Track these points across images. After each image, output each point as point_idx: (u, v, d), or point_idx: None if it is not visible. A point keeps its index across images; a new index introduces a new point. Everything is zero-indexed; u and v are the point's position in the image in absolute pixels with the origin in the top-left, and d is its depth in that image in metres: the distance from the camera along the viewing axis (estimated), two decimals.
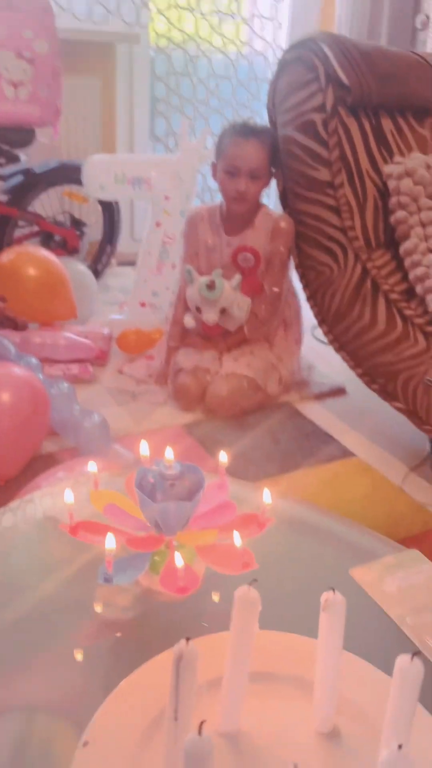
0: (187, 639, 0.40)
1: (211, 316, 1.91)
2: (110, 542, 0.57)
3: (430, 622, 0.61)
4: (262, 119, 3.16)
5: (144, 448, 0.73)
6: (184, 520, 0.62)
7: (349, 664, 0.51)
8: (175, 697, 0.41)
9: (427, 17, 2.61)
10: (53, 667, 0.59)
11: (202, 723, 0.34)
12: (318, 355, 2.32)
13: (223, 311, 1.91)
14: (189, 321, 1.97)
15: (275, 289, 1.95)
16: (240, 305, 1.91)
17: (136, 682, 0.52)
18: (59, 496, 0.79)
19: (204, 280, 1.87)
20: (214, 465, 0.78)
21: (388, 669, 0.55)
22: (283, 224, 1.88)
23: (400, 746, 0.33)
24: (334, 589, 0.44)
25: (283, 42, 3.12)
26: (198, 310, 1.93)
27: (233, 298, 1.90)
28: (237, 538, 0.58)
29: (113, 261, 2.84)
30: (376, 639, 0.61)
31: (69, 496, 0.61)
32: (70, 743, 0.52)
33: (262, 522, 0.66)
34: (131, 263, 3.14)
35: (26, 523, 0.75)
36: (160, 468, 0.61)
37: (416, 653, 0.40)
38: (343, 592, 0.67)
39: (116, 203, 2.51)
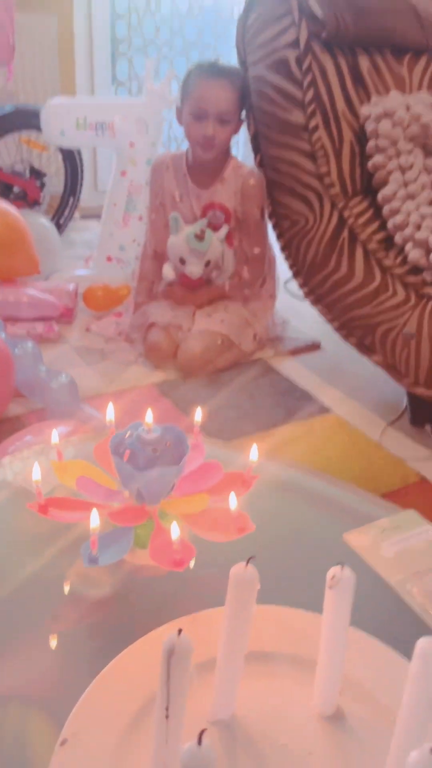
0: (180, 630, 0.34)
1: (196, 269, 1.83)
2: (95, 519, 0.51)
3: None
4: (230, 62, 3.02)
5: (110, 412, 0.66)
6: (169, 487, 0.56)
7: (353, 640, 0.46)
8: (165, 694, 0.35)
9: None
10: (26, 652, 0.53)
11: (202, 732, 0.29)
12: (291, 309, 2.26)
13: (208, 264, 1.83)
14: (168, 272, 1.87)
15: (256, 250, 1.88)
16: (227, 258, 1.83)
17: (118, 670, 0.47)
18: (28, 462, 0.73)
19: (193, 229, 1.77)
20: (189, 425, 0.72)
21: (389, 641, 0.51)
22: (252, 181, 1.79)
23: None
24: (342, 564, 0.39)
25: None
26: (181, 261, 1.84)
27: (221, 251, 1.82)
28: (233, 500, 0.52)
29: (76, 214, 2.71)
30: (375, 609, 0.57)
31: (36, 473, 0.55)
32: (47, 736, 0.47)
33: (248, 480, 0.61)
34: (95, 216, 3.01)
35: None
36: (139, 432, 0.55)
37: None
38: (337, 558, 0.63)
39: (78, 152, 2.38)
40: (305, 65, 1.59)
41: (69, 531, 0.60)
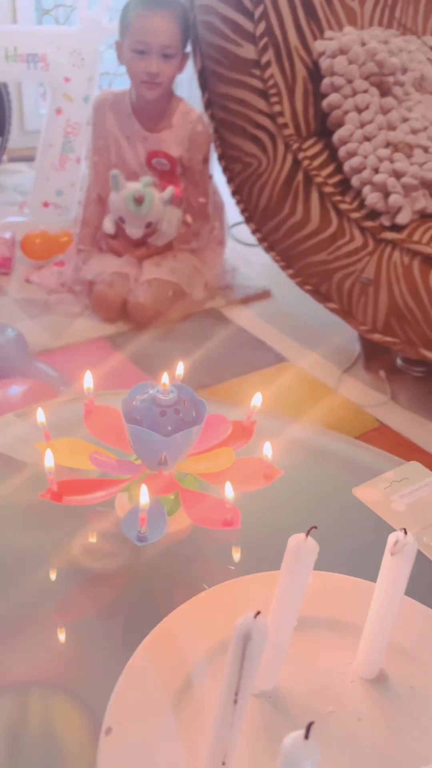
0: (257, 613, 0.31)
1: (135, 231, 1.75)
2: (144, 496, 0.46)
3: None
4: None
5: (88, 380, 0.60)
6: (191, 447, 0.52)
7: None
8: (236, 679, 0.33)
9: None
10: (36, 635, 0.49)
11: (310, 724, 0.27)
12: (238, 255, 2.21)
13: (149, 225, 1.75)
14: (108, 225, 1.78)
15: (201, 200, 1.82)
16: (170, 220, 1.74)
17: (151, 651, 0.44)
18: (7, 429, 0.67)
19: (132, 191, 1.67)
20: (146, 380, 0.68)
21: (413, 594, 0.50)
22: (200, 127, 1.71)
23: None
24: (405, 530, 0.37)
25: None
26: (121, 220, 1.76)
27: (163, 213, 1.73)
28: (229, 490, 0.49)
29: (4, 157, 2.54)
30: None
31: (49, 460, 0.49)
32: (74, 720, 0.44)
33: (248, 427, 0.58)
34: (25, 158, 2.83)
35: None
36: (155, 394, 0.50)
37: None
38: (349, 512, 0.61)
39: (5, 86, 2.20)
40: None
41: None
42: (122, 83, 2.93)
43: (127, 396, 0.53)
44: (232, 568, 0.55)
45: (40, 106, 2.85)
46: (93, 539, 0.56)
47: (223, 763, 0.37)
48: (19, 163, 2.80)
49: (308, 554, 0.37)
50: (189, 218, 1.85)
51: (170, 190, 1.69)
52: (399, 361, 1.71)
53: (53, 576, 0.53)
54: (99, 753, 0.38)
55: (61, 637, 0.50)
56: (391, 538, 0.38)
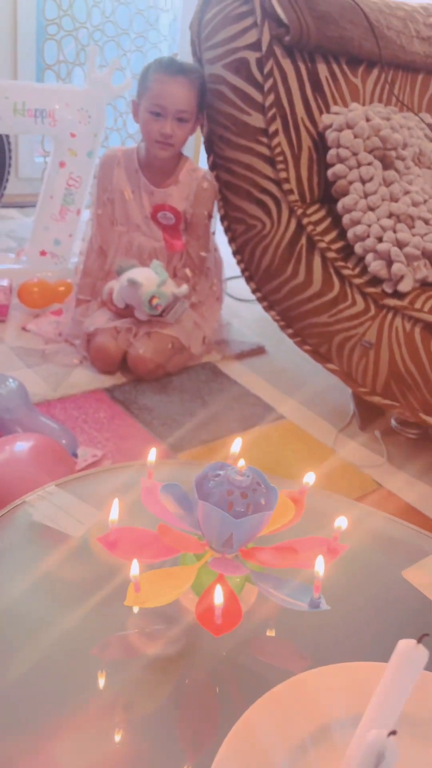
0: (393, 732, 0.31)
1: (143, 316, 1.76)
2: (219, 596, 0.46)
3: None
4: (159, 51, 2.95)
5: (114, 511, 0.58)
6: (255, 533, 0.52)
7: None
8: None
9: None
10: (94, 725, 0.48)
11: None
12: (230, 310, 2.25)
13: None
14: (119, 300, 1.76)
15: (202, 254, 1.85)
16: (176, 311, 1.75)
17: (237, 744, 0.43)
18: (54, 500, 0.66)
19: (148, 294, 1.66)
20: (145, 433, 0.67)
21: None
22: (205, 185, 1.76)
23: None
24: None
25: None
26: (130, 304, 1.76)
27: (174, 306, 1.74)
28: (320, 564, 0.49)
29: None
30: None
31: (114, 513, 0.49)
32: None
33: (334, 548, 0.57)
34: (16, 205, 2.85)
35: (20, 538, 0.61)
36: (229, 473, 0.50)
37: None
38: (406, 598, 0.61)
39: (6, 137, 2.23)
40: (266, 68, 1.57)
41: (105, 574, 0.54)
42: (116, 138, 3.00)
43: (198, 475, 0.53)
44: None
45: (35, 155, 2.88)
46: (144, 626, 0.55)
47: None
48: (11, 209, 2.82)
49: (416, 662, 0.37)
50: (188, 271, 1.88)
51: (185, 288, 1.71)
52: (393, 423, 1.74)
53: (112, 662, 0.52)
54: None
55: (124, 726, 0.48)
56: None
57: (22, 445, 1.22)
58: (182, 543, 0.52)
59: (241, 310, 2.28)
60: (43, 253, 2.12)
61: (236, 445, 0.62)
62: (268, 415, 1.73)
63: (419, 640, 0.36)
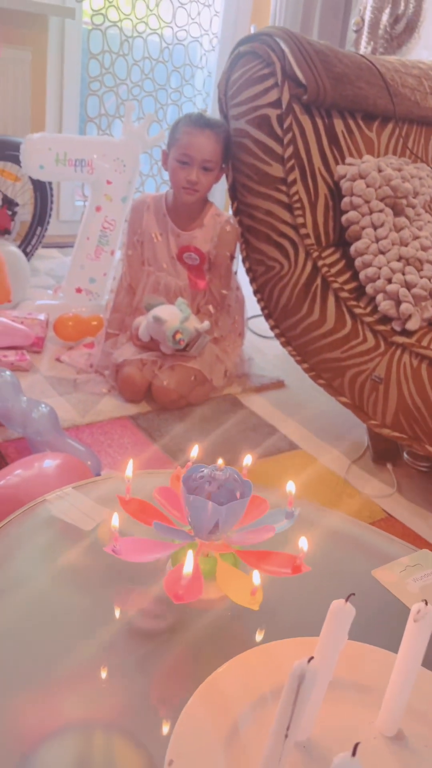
0: (310, 658, 0.40)
1: (167, 350, 1.88)
2: (189, 564, 0.55)
3: None
4: (194, 105, 3.15)
5: (129, 469, 0.70)
6: (236, 519, 0.61)
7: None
8: (289, 715, 0.41)
9: (362, 20, 2.68)
10: (97, 683, 0.57)
11: (357, 744, 0.35)
12: (253, 346, 2.36)
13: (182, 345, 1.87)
14: (144, 335, 1.89)
15: (224, 292, 1.98)
16: (200, 345, 1.87)
17: (208, 694, 0.51)
18: (69, 499, 0.76)
19: (172, 330, 1.79)
20: (165, 458, 0.77)
21: (426, 666, 0.58)
22: (228, 228, 1.90)
23: None
24: (426, 601, 0.46)
25: (218, 29, 3.10)
26: (155, 339, 1.88)
27: (197, 341, 1.85)
28: (256, 577, 0.58)
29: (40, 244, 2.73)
30: None
31: (115, 520, 0.59)
32: (132, 758, 0.51)
33: (297, 566, 0.65)
34: (57, 246, 3.04)
35: (39, 530, 0.71)
36: (212, 472, 0.60)
37: None
38: (369, 591, 0.69)
39: (49, 183, 2.41)
40: (286, 124, 1.70)
41: (113, 561, 0.63)
42: (151, 184, 3.18)
43: (185, 473, 0.62)
44: (266, 632, 0.63)
45: (75, 199, 3.08)
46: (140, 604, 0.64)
47: None
48: (52, 248, 3.01)
49: (346, 617, 0.45)
50: (211, 308, 2.00)
51: (206, 324, 1.83)
52: (405, 456, 1.81)
53: (111, 632, 0.61)
54: None
55: (118, 685, 0.57)
56: (415, 608, 0.46)
57: (50, 463, 1.33)
58: (173, 534, 0.61)
59: (264, 347, 2.39)
60: (78, 290, 2.27)
61: (194, 450, 0.71)
62: (283, 445, 1.82)
63: (347, 600, 0.45)
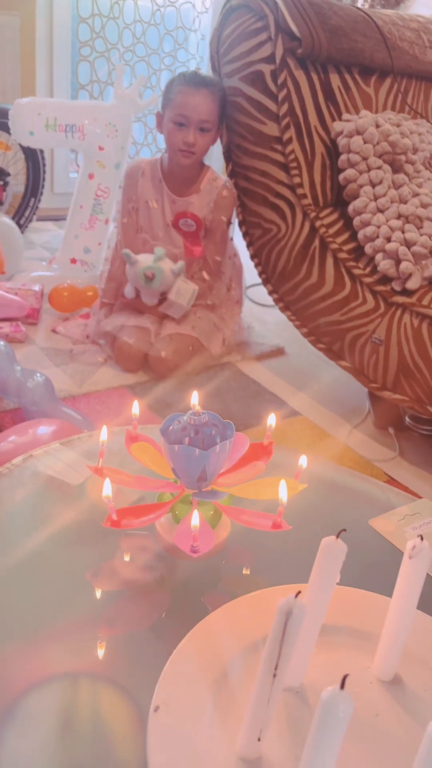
0: (298, 593, 0.37)
1: (150, 300, 1.86)
2: (196, 517, 0.53)
3: None
4: (188, 69, 3.07)
5: (135, 407, 0.68)
6: (222, 463, 0.59)
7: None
8: (277, 653, 0.38)
9: None
10: (87, 633, 0.55)
11: (345, 676, 0.32)
12: (253, 315, 2.32)
13: (163, 295, 1.86)
14: (129, 291, 1.90)
15: (217, 258, 1.94)
16: (181, 292, 1.84)
17: (195, 642, 0.49)
18: (57, 454, 0.74)
19: (143, 268, 1.79)
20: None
21: (428, 611, 0.56)
22: (225, 192, 1.85)
23: None
24: (422, 536, 0.43)
25: None
26: (138, 290, 1.87)
27: (174, 284, 1.83)
28: (283, 491, 0.55)
29: (34, 216, 2.69)
30: None
31: (107, 489, 0.56)
32: (120, 704, 0.49)
33: (278, 524, 0.63)
34: (51, 218, 2.99)
35: (26, 485, 0.69)
36: (191, 417, 0.58)
37: None
38: (367, 541, 0.67)
39: (41, 152, 2.36)
40: (280, 80, 1.65)
41: (101, 516, 0.61)
42: (146, 153, 3.12)
43: (162, 425, 0.60)
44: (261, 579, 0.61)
45: (69, 171, 3.02)
46: (129, 556, 0.62)
47: (259, 739, 0.42)
48: (47, 222, 2.96)
49: (338, 555, 0.43)
50: (206, 275, 1.96)
51: (181, 264, 1.80)
52: (407, 419, 1.78)
53: (102, 585, 0.59)
54: (149, 727, 0.43)
55: (104, 634, 0.55)
56: (410, 544, 0.44)
57: (45, 429, 1.31)
58: (160, 486, 0.59)
59: (264, 315, 2.36)
60: (73, 261, 2.23)
61: (194, 397, 0.68)
62: (283, 411, 1.79)
63: (337, 536, 0.43)
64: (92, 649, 0.54)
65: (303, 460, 0.60)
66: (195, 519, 0.54)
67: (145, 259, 1.81)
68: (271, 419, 0.66)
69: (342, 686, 0.33)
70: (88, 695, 0.49)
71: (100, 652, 0.53)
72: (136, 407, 0.67)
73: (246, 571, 0.62)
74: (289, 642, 0.38)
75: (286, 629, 0.38)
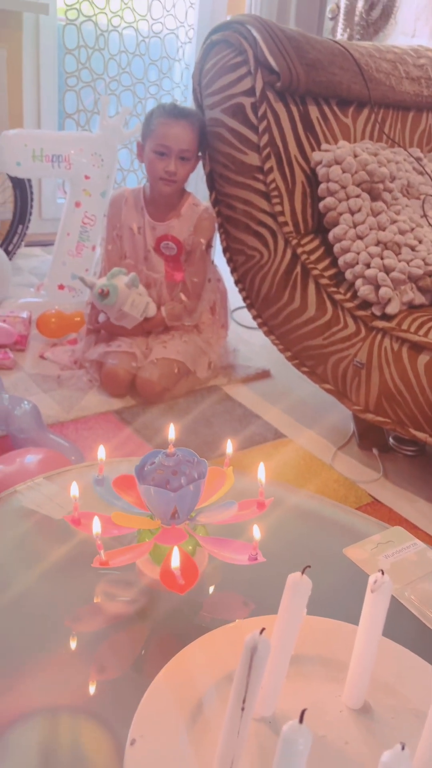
0: (262, 630, 0.40)
1: (116, 319, 1.90)
2: (176, 558, 0.55)
3: (427, 595, 0.64)
4: (173, 98, 3.13)
5: (101, 452, 0.71)
6: (195, 501, 0.61)
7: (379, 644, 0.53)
8: (244, 687, 0.41)
9: (338, 7, 2.67)
10: (62, 666, 0.57)
11: (304, 711, 0.35)
12: (239, 337, 2.35)
13: (121, 311, 1.89)
14: (101, 315, 1.95)
15: (195, 279, 1.97)
16: (135, 304, 1.87)
17: (169, 676, 0.51)
18: (42, 489, 0.76)
19: (97, 287, 1.84)
20: (150, 450, 0.78)
21: (394, 639, 0.58)
22: (205, 215, 1.90)
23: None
24: (382, 571, 0.46)
25: (194, 21, 3.08)
26: (104, 313, 1.92)
27: (127, 296, 1.86)
28: (257, 532, 0.58)
29: (22, 243, 2.72)
30: None
31: (75, 489, 0.58)
32: (100, 741, 0.51)
33: (261, 503, 0.67)
34: (39, 244, 3.02)
35: (10, 518, 0.71)
36: (162, 458, 0.60)
37: None
38: (342, 569, 0.69)
39: (28, 181, 2.40)
40: (260, 112, 1.70)
41: (84, 548, 0.63)
42: (133, 179, 3.17)
43: (138, 463, 0.62)
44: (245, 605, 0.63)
45: (57, 197, 3.07)
46: (111, 593, 0.64)
47: None
48: (35, 247, 3.00)
49: (303, 590, 0.45)
50: (183, 297, 1.99)
51: (133, 276, 1.84)
52: (391, 441, 1.81)
53: (79, 618, 0.61)
54: (125, 760, 0.45)
55: (85, 669, 0.57)
56: (371, 578, 0.46)
57: (32, 458, 1.33)
58: (136, 523, 0.61)
59: (250, 338, 2.39)
60: (61, 287, 2.26)
61: (171, 432, 0.71)
62: (269, 434, 1.82)
63: (302, 572, 0.45)
64: (72, 683, 0.55)
65: (256, 532, 0.61)
66: (175, 560, 0.56)
67: (99, 280, 1.87)
68: (229, 447, 0.69)
69: (301, 720, 0.35)
70: (67, 729, 0.51)
71: (80, 687, 0.55)
72: (102, 452, 0.69)
73: (224, 601, 0.64)
74: (255, 676, 0.40)
75: (252, 664, 0.40)
